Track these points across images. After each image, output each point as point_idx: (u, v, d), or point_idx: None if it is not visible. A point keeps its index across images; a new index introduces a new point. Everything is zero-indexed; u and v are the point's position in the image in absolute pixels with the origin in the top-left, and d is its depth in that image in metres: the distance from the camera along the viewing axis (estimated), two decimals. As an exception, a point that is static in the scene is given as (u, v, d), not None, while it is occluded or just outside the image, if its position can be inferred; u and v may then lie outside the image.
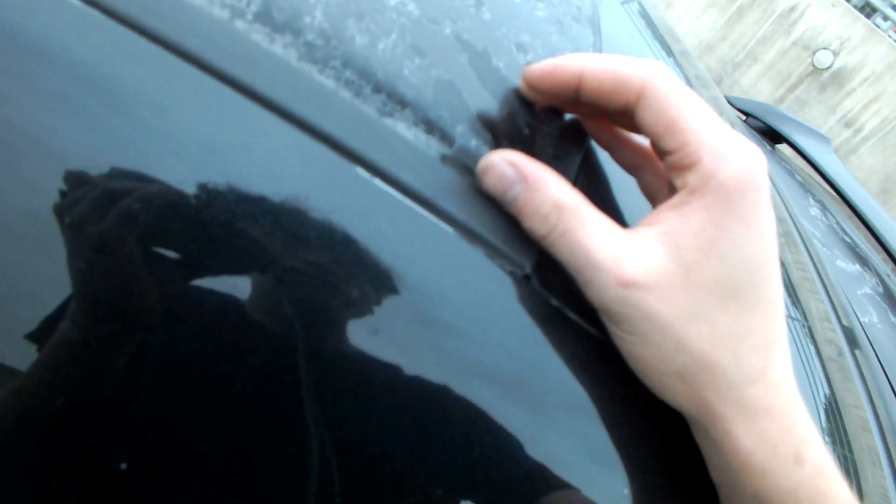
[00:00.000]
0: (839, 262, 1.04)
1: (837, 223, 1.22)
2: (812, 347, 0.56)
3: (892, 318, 0.99)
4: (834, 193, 1.22)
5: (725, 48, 4.00)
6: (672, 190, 0.24)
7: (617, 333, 0.24)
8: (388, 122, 0.23)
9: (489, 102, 0.26)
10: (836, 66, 3.76)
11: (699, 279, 0.22)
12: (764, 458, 0.23)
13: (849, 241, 1.17)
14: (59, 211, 0.19)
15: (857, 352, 0.75)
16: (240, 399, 0.20)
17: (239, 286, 0.21)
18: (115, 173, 0.20)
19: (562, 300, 0.24)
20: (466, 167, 0.24)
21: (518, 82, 0.27)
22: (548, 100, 0.27)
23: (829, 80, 3.80)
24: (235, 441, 0.21)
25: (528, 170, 0.23)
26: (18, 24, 0.19)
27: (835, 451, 0.45)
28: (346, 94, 0.22)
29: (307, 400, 0.21)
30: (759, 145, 1.30)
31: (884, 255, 1.09)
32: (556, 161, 0.26)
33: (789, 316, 0.55)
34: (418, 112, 0.24)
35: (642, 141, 0.28)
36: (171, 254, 0.20)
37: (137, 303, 0.20)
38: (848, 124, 3.81)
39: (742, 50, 3.96)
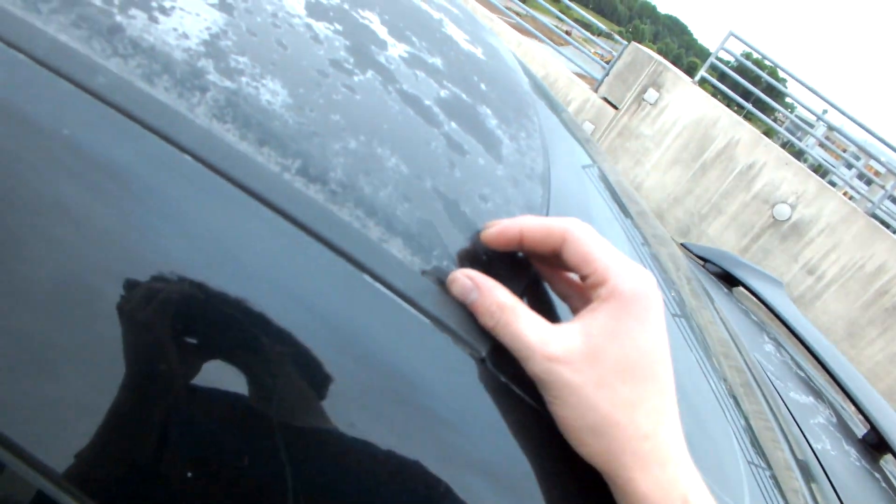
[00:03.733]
0: (793, 394, 1.12)
1: (791, 358, 1.31)
2: (780, 498, 0.62)
3: (846, 446, 1.05)
4: (787, 331, 1.32)
5: (692, 201, 4.32)
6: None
7: (547, 398, 0.32)
8: (385, 246, 0.32)
9: (457, 236, 0.36)
10: (795, 218, 4.05)
11: (604, 358, 0.31)
12: (657, 501, 0.30)
13: (802, 374, 1.25)
14: (119, 306, 0.28)
15: (813, 485, 0.80)
16: (238, 459, 0.28)
17: (243, 368, 0.29)
18: (166, 278, 0.28)
19: (509, 378, 0.33)
20: (439, 279, 0.33)
21: (479, 223, 0.37)
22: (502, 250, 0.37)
23: (788, 230, 4.08)
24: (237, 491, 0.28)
25: (480, 281, 0.33)
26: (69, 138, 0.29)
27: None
28: (357, 225, 0.32)
29: (286, 464, 0.28)
30: (717, 288, 1.41)
31: (833, 384, 1.17)
32: (505, 279, 0.35)
33: (753, 463, 0.62)
34: (406, 240, 0.33)
35: (574, 278, 0.38)
36: (191, 339, 0.29)
37: (165, 373, 0.28)
38: (810, 272, 4.04)
39: (707, 203, 4.27)
